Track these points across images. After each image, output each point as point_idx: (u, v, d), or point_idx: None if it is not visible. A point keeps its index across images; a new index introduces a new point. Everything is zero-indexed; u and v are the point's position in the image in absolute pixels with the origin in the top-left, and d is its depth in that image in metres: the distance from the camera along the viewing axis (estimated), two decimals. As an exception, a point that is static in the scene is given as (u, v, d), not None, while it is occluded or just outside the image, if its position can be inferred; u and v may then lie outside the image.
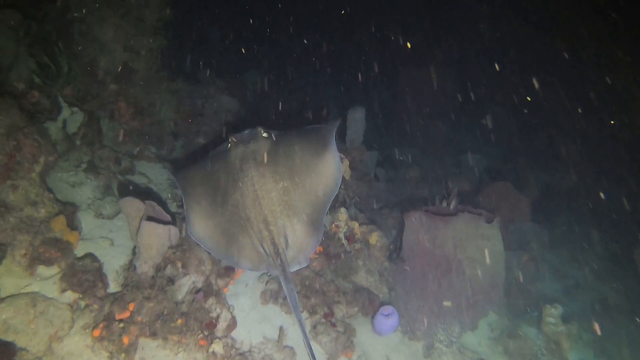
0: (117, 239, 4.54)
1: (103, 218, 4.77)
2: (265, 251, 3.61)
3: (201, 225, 3.80)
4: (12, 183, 3.88)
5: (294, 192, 3.80)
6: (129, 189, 5.13)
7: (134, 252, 3.96)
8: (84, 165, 5.32)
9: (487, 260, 4.57)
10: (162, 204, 4.58)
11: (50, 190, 4.25)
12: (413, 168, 7.58)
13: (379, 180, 6.32)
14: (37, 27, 5.36)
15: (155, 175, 5.91)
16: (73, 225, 4.22)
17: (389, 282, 5.00)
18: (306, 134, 4.19)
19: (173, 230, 3.61)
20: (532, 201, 6.07)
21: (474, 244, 4.54)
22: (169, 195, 5.56)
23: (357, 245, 4.95)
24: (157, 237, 3.48)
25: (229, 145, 3.97)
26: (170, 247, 3.73)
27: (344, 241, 4.95)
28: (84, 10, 5.44)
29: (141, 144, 6.06)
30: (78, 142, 5.48)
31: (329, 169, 3.92)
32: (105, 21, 5.46)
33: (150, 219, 3.51)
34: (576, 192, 8.18)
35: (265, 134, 4.01)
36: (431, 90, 9.33)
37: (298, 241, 3.70)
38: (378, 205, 6.29)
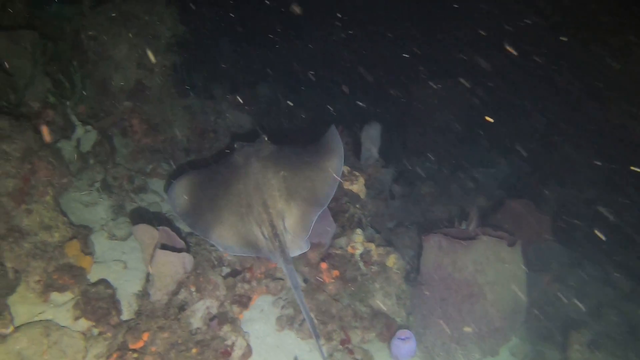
0: (130, 261, 4.49)
1: (116, 239, 4.72)
2: (263, 235, 3.78)
3: (203, 218, 4.01)
4: (27, 207, 3.84)
5: (293, 179, 4.04)
6: (141, 212, 5.08)
7: (147, 279, 3.89)
8: (97, 184, 5.29)
9: (509, 284, 4.44)
10: (176, 229, 4.53)
11: (64, 213, 4.21)
12: (428, 183, 7.44)
13: (395, 197, 6.21)
14: (52, 46, 5.36)
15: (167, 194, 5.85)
16: (87, 249, 4.18)
17: (406, 305, 4.87)
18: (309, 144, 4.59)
19: (187, 258, 3.54)
20: (551, 217, 5.89)
21: (495, 268, 4.41)
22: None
23: (374, 268, 4.83)
24: (171, 266, 3.40)
25: (235, 146, 4.38)
26: (185, 273, 3.65)
27: (361, 263, 4.84)
28: (98, 29, 5.43)
29: (154, 161, 6.02)
30: (92, 161, 5.45)
31: (330, 160, 4.22)
32: (120, 39, 5.45)
33: (164, 246, 3.44)
34: (595, 207, 7.98)
35: (268, 140, 4.45)
36: (445, 103, 9.22)
37: (296, 226, 3.87)
38: (394, 223, 6.17)
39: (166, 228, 3.62)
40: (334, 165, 4.17)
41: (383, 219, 5.99)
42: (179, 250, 3.61)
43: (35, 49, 5.28)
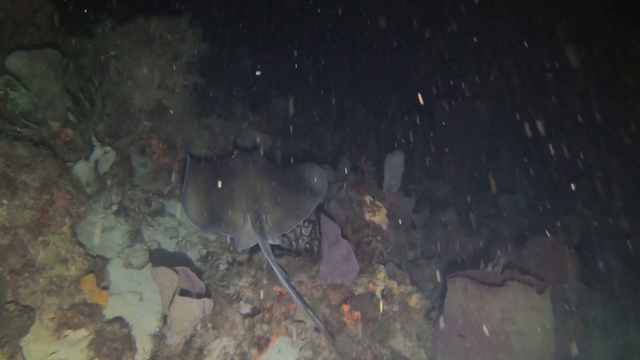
0: (146, 292, 4.38)
1: (132, 268, 4.61)
2: (245, 219, 4.40)
3: (196, 207, 4.68)
4: (44, 239, 3.75)
5: (280, 191, 4.71)
6: (158, 240, 4.97)
7: (164, 320, 3.76)
8: (114, 207, 5.20)
9: (537, 335, 4.22)
10: (195, 269, 4.42)
11: (80, 244, 4.12)
12: (449, 211, 7.24)
13: (416, 228, 6.03)
14: (74, 66, 5.30)
15: (184, 216, 5.73)
16: (103, 281, 4.08)
17: (427, 347, 4.68)
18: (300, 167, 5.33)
19: (207, 303, 3.41)
20: (578, 257, 5.65)
21: (523, 317, 4.20)
22: (198, 241, 5.38)
23: (395, 307, 4.66)
24: (191, 312, 3.28)
25: (235, 153, 5.21)
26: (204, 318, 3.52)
27: (382, 301, 4.67)
28: (121, 49, 5.35)
29: (172, 182, 5.92)
30: (109, 182, 5.37)
31: (317, 184, 5.00)
32: (142, 60, 5.36)
33: (183, 291, 3.31)
34: (623, 237, 7.71)
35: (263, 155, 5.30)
36: (468, 124, 9.00)
37: (275, 223, 4.49)
38: (415, 254, 5.99)
39: (186, 269, 3.49)
40: (315, 195, 4.86)
41: (404, 249, 5.81)
42: (198, 292, 3.48)
43: (57, 68, 5.22)
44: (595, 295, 5.65)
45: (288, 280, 3.87)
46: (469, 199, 8.38)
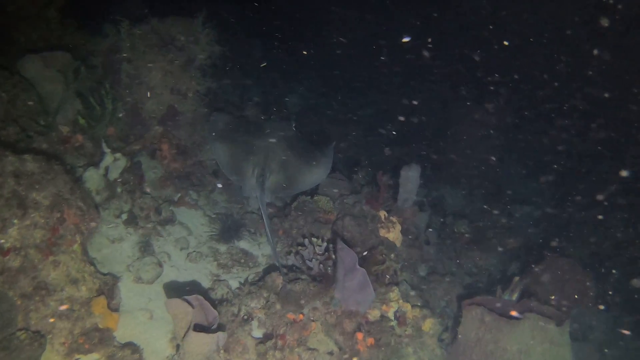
0: (156, 309, 4.29)
1: (142, 283, 4.53)
2: (253, 172, 5.04)
3: (221, 149, 5.41)
4: (54, 259, 3.65)
5: (291, 162, 5.29)
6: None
7: (177, 348, 3.69)
8: (124, 216, 5.10)
9: (554, 367, 4.14)
10: (201, 278, 4.31)
11: (90, 262, 4.02)
12: (461, 222, 7.12)
13: (430, 243, 5.91)
14: (85, 70, 5.13)
15: (195, 225, 5.65)
16: (113, 299, 4.00)
17: (439, 372, 4.62)
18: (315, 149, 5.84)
19: (221, 336, 3.32)
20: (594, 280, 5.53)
21: (540, 350, 4.11)
22: (208, 252, 5.29)
23: (408, 330, 4.58)
24: (205, 346, 3.19)
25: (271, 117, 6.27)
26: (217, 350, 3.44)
27: (394, 322, 4.60)
28: (134, 52, 5.17)
29: (182, 188, 5.81)
30: (119, 189, 5.26)
31: (323, 166, 5.48)
32: (154, 65, 5.18)
33: (197, 325, 3.22)
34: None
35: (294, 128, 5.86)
36: (482, 131, 8.81)
37: (275, 184, 5.13)
38: (427, 270, 5.89)
39: (199, 297, 3.40)
40: (321, 173, 5.45)
41: (417, 264, 5.72)
42: (211, 322, 3.39)
43: (68, 71, 5.07)
44: (612, 321, 5.56)
45: (273, 234, 4.78)
46: (480, 207, 8.26)
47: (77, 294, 3.65)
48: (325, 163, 5.49)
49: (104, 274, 4.15)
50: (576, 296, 5.29)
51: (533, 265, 5.91)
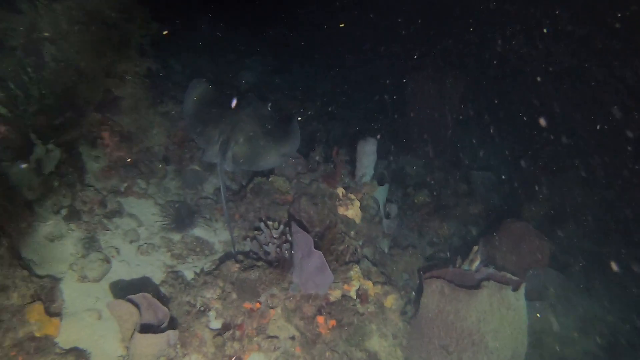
0: (104, 309, 4.03)
1: (88, 281, 4.24)
2: (218, 142, 5.10)
3: (192, 110, 5.46)
4: (-22, 267, 3.32)
5: (259, 138, 5.33)
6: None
7: (127, 349, 3.47)
8: (64, 212, 4.73)
9: (511, 331, 4.22)
10: (153, 271, 4.06)
11: (23, 266, 3.69)
12: (421, 192, 7.11)
13: (390, 217, 5.85)
14: (1, 57, 4.62)
15: (145, 215, 5.34)
16: (53, 303, 3.72)
17: (403, 345, 4.63)
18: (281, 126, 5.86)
19: (172, 335, 3.13)
20: (549, 242, 5.66)
21: (498, 316, 4.16)
22: (161, 243, 5.03)
23: (371, 308, 4.54)
24: (154, 347, 3.00)
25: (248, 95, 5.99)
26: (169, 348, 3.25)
27: (357, 302, 4.54)
28: (56, 31, 4.68)
29: (128, 177, 5.45)
30: (56, 183, 4.86)
31: (286, 150, 5.46)
32: (84, 47, 4.73)
33: (145, 325, 3.01)
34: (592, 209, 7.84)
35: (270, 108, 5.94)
36: (439, 98, 8.74)
37: (235, 155, 5.16)
38: (389, 244, 5.85)
39: (146, 295, 3.18)
40: (282, 158, 5.44)
41: (377, 240, 5.66)
42: (161, 319, 3.19)
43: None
44: (566, 280, 5.73)
45: (227, 202, 5.31)
46: (440, 174, 8.30)
47: (6, 302, 3.35)
48: (289, 147, 5.50)
49: (41, 277, 3.83)
50: (531, 258, 5.40)
51: (493, 233, 5.99)
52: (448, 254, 6.11)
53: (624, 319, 5.61)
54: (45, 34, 4.77)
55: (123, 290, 4.25)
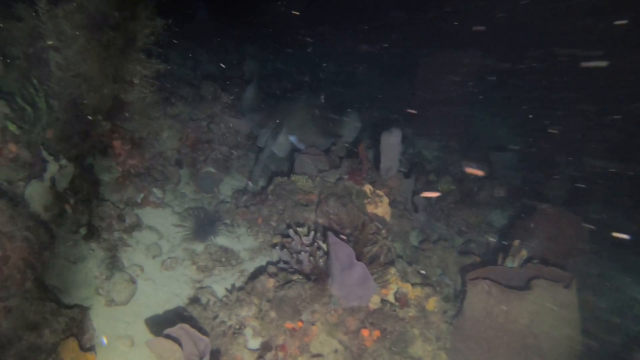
0: (137, 334, 3.85)
1: (116, 305, 4.05)
2: (271, 125, 6.00)
3: (252, 101, 6.43)
4: (4, 306, 3.10)
5: (311, 127, 6.10)
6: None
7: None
8: (82, 231, 4.50)
9: (566, 330, 4.02)
10: (181, 289, 3.86)
11: (52, 298, 3.48)
12: (444, 178, 6.84)
13: (418, 210, 5.61)
14: (4, 68, 4.30)
15: (164, 226, 5.12)
16: (85, 334, 3.52)
17: (447, 347, 4.46)
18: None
19: (216, 368, 2.92)
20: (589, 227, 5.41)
21: (552, 316, 3.96)
22: (184, 255, 4.82)
23: (412, 312, 4.34)
24: (199, 385, 2.80)
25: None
26: None
27: (396, 306, 4.34)
28: (60, 38, 4.34)
29: (144, 186, 5.20)
30: (72, 200, 4.60)
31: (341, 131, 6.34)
32: (88, 54, 4.38)
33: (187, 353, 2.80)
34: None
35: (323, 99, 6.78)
36: (455, 76, 8.39)
37: (284, 139, 5.88)
38: (419, 238, 5.64)
39: (184, 326, 2.96)
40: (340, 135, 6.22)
41: (408, 235, 5.44)
42: (203, 349, 2.99)
43: (-19, 70, 4.22)
44: (605, 267, 5.53)
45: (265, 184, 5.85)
46: (458, 157, 8.02)
47: (39, 341, 3.15)
48: (346, 131, 6.27)
49: (70, 307, 3.62)
50: (572, 245, 5.18)
51: (523, 215, 5.77)
52: (479, 243, 5.89)
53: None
54: (49, 42, 4.43)
55: (152, 311, 4.06)
